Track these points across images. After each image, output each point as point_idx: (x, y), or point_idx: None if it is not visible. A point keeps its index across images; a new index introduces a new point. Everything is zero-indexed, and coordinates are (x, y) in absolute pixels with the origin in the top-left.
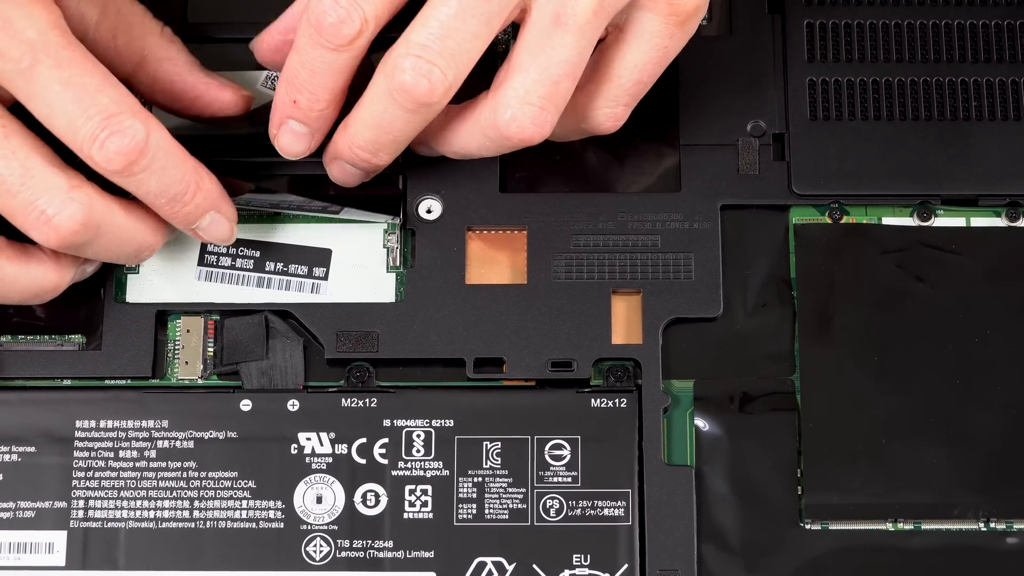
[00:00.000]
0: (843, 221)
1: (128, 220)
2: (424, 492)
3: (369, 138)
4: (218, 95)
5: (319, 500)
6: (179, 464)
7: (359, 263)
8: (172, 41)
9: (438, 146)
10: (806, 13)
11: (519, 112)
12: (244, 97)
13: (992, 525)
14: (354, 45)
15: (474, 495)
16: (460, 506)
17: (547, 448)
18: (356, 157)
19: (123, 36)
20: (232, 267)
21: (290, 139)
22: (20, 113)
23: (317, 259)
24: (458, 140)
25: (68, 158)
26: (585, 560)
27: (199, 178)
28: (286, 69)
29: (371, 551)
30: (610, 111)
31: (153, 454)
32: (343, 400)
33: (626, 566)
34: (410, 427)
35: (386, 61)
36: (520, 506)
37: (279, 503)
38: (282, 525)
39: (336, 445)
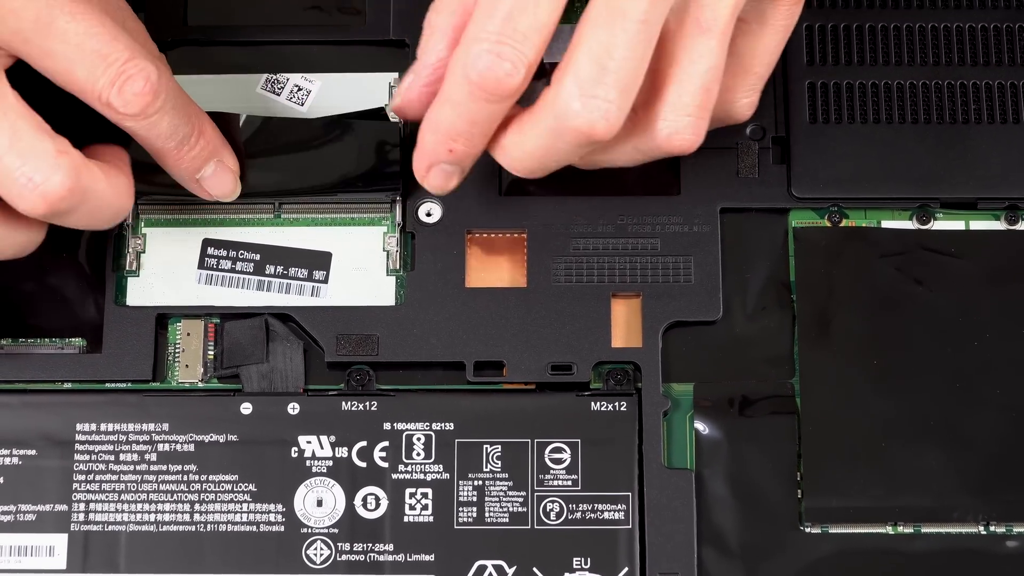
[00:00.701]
0: (842, 224)
1: (109, 186)
2: (424, 495)
3: (530, 167)
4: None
5: (319, 503)
6: (179, 467)
7: (359, 266)
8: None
9: (587, 165)
10: (805, 16)
11: (679, 125)
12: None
13: (992, 529)
14: (517, 92)
15: (474, 498)
16: (460, 509)
17: (547, 451)
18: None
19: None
20: (232, 270)
21: (441, 179)
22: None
23: (317, 262)
24: (610, 158)
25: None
26: (585, 563)
27: (201, 123)
28: (438, 121)
29: (372, 554)
30: (748, 100)
31: (154, 457)
32: (343, 403)
33: (626, 569)
34: (410, 430)
35: (555, 101)
36: (520, 509)
37: (279, 506)
38: (282, 528)
39: (336, 448)
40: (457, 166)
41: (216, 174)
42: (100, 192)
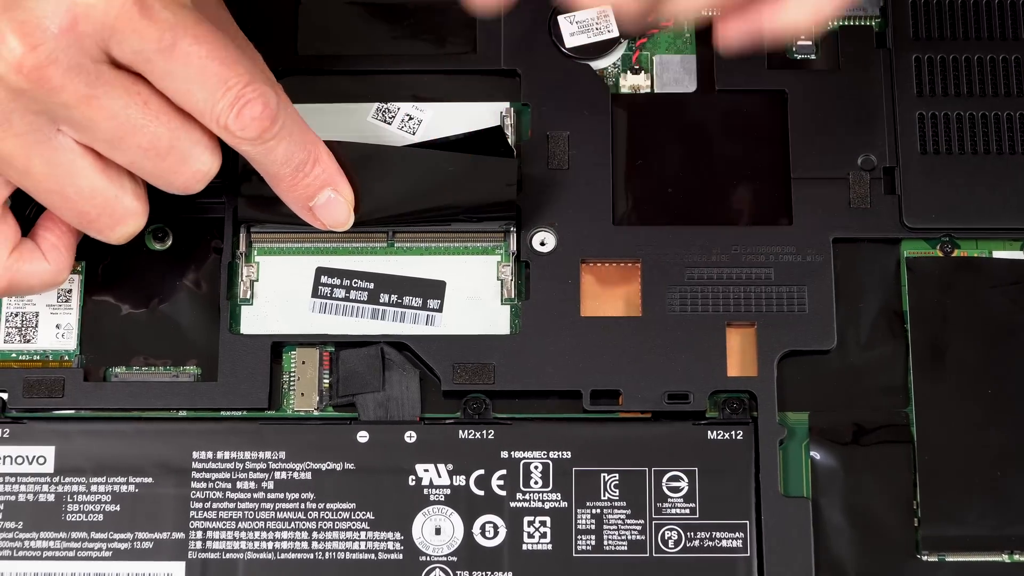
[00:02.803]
0: (954, 254)
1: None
2: (543, 523)
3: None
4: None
5: (438, 531)
6: (297, 495)
7: (473, 295)
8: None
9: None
10: (914, 48)
11: None
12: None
13: None
14: None
15: (593, 526)
16: (579, 537)
17: (664, 480)
18: None
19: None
20: (346, 299)
21: None
22: None
23: (431, 291)
24: None
25: None
26: None
27: (317, 150)
28: None
29: None
30: None
31: (271, 485)
32: (460, 432)
33: None
34: (528, 458)
35: None
36: (639, 537)
37: (397, 534)
38: (401, 556)
39: (454, 476)
40: None
41: (330, 203)
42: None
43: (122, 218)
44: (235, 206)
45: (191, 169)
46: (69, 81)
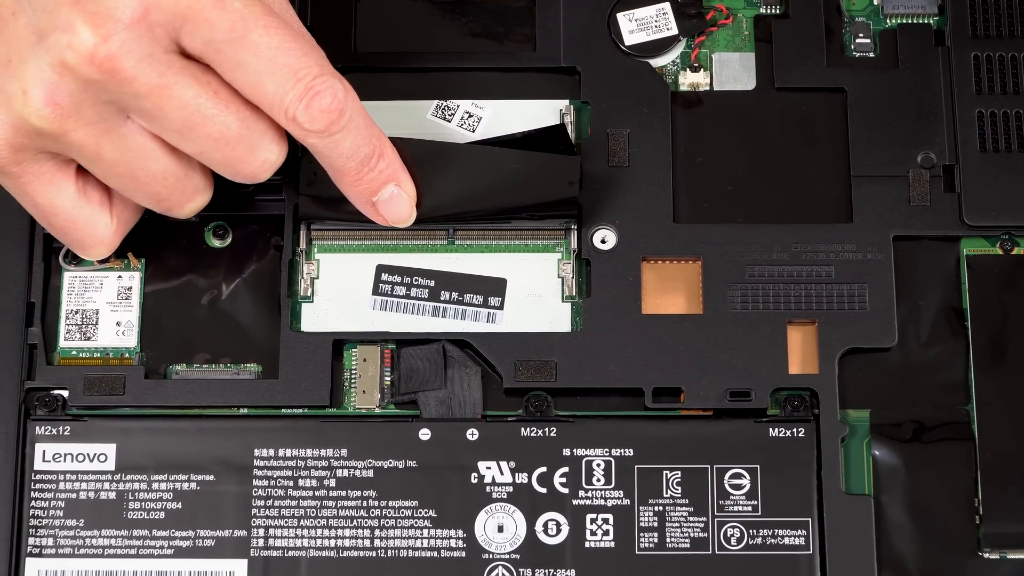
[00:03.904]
0: (1014, 252)
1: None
2: (605, 521)
3: None
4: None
5: (500, 529)
6: (359, 493)
7: (534, 293)
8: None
9: None
10: (972, 46)
11: None
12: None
13: None
14: None
15: (655, 524)
16: (641, 535)
17: (727, 477)
18: None
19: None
20: (407, 296)
21: None
22: None
23: (492, 288)
24: None
25: None
26: None
27: (382, 145)
28: None
29: None
30: None
31: (332, 483)
32: (522, 429)
33: None
34: (590, 456)
35: None
36: (701, 535)
37: (460, 532)
38: (464, 554)
39: (516, 474)
40: None
41: (392, 198)
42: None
43: (192, 195)
44: (296, 203)
45: (259, 159)
46: (140, 72)
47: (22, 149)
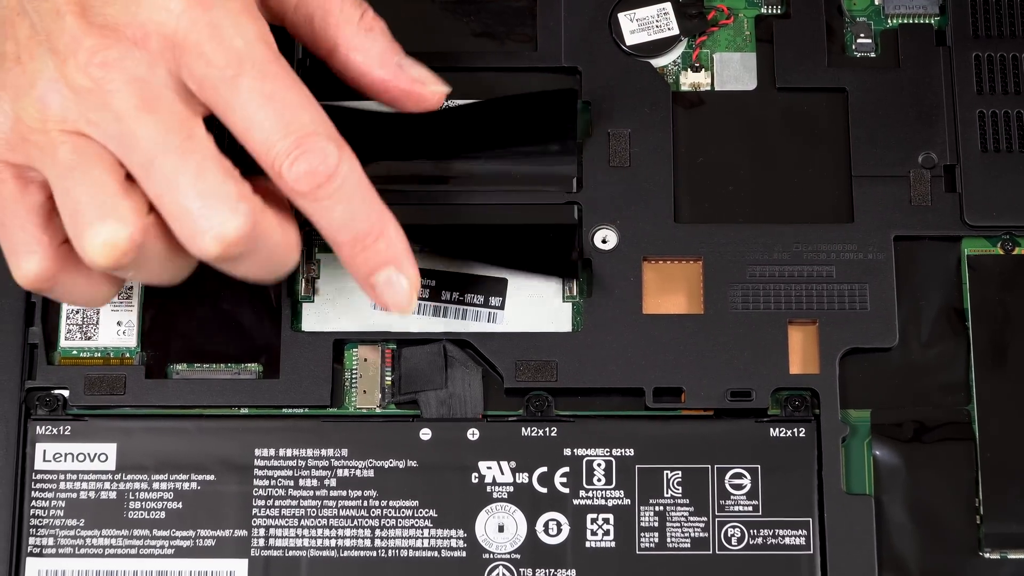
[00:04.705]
0: (1015, 252)
1: (282, 236)
2: (606, 521)
3: None
4: (406, 91)
5: (501, 529)
6: (360, 493)
7: (535, 293)
8: (369, 30)
9: None
10: (974, 46)
11: None
12: (434, 93)
13: None
14: None
15: (656, 524)
16: (642, 535)
17: (727, 477)
18: None
19: (319, 22)
20: None
21: None
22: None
23: (493, 289)
24: None
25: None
26: None
27: (384, 224)
28: None
29: None
30: None
31: (333, 483)
32: (523, 429)
33: None
34: (590, 456)
35: None
36: (702, 535)
37: (461, 532)
38: (464, 554)
39: (517, 474)
40: None
41: (389, 283)
42: (272, 243)
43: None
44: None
45: (205, 221)
46: (124, 90)
47: (14, 148)
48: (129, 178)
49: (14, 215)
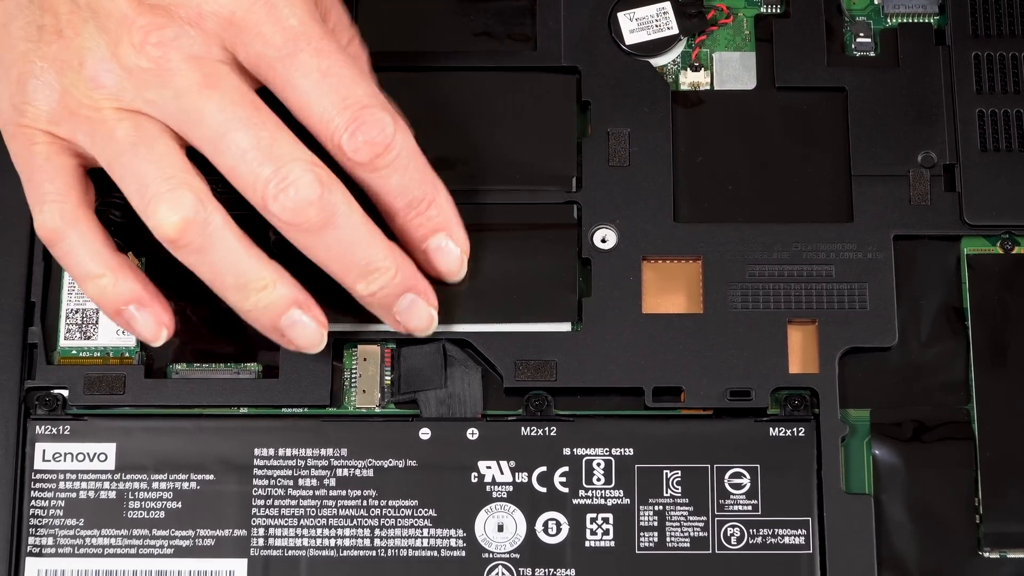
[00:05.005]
0: (1014, 251)
1: (362, 223)
2: (605, 520)
3: None
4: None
5: (500, 528)
6: (359, 492)
7: None
8: (356, 57)
9: None
10: (973, 45)
11: None
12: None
13: None
14: None
15: (655, 523)
16: (642, 534)
17: (727, 477)
18: None
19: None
20: None
21: None
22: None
23: None
24: None
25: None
26: None
27: (436, 192)
28: None
29: None
30: None
31: (333, 482)
32: (522, 429)
33: None
34: (590, 455)
35: None
36: (701, 534)
37: (460, 531)
38: (464, 554)
39: (516, 474)
40: None
41: (441, 249)
42: (350, 225)
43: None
44: None
45: (282, 180)
46: (184, 68)
47: (59, 122)
48: None
49: (43, 171)
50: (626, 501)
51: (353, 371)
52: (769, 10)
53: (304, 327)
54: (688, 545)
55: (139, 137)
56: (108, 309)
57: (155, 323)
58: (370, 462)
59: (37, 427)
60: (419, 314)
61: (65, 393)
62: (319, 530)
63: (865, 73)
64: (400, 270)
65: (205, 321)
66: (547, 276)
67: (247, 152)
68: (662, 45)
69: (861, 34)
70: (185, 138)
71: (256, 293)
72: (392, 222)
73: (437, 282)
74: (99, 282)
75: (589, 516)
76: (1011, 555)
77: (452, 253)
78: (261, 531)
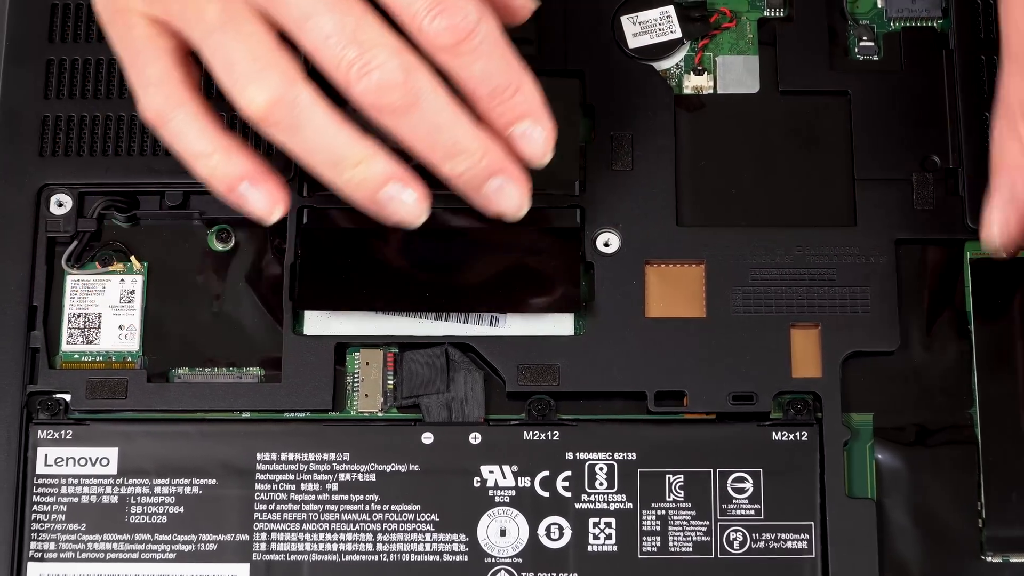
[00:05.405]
0: (1018, 256)
1: (448, 106)
2: (608, 525)
3: None
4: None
5: (503, 533)
6: (361, 497)
7: None
8: None
9: None
10: (977, 49)
11: None
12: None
13: None
14: None
15: (658, 528)
16: (644, 539)
17: (729, 481)
18: None
19: None
20: None
21: None
22: None
23: None
24: None
25: None
26: None
27: (521, 79)
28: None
29: None
30: None
31: (335, 487)
32: (525, 433)
33: None
34: (593, 460)
35: None
36: (704, 539)
37: (463, 536)
38: (466, 558)
39: (519, 478)
40: None
41: (526, 135)
42: (432, 109)
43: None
44: (300, 207)
45: (366, 64)
46: None
47: (153, 2)
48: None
49: (143, 54)
50: (629, 505)
51: (356, 375)
52: (772, 14)
53: (402, 202)
54: (691, 550)
55: (228, 17)
56: (220, 188)
57: (268, 200)
58: (372, 466)
59: (39, 432)
60: (509, 197)
61: (67, 398)
62: (321, 534)
63: (868, 77)
64: (488, 153)
65: (207, 325)
66: (551, 272)
67: (331, 36)
68: (665, 49)
69: (864, 38)
70: (272, 19)
71: (351, 169)
72: (476, 107)
73: (439, 275)
74: (209, 160)
75: (592, 520)
76: (1014, 559)
77: (537, 138)
78: (263, 535)
